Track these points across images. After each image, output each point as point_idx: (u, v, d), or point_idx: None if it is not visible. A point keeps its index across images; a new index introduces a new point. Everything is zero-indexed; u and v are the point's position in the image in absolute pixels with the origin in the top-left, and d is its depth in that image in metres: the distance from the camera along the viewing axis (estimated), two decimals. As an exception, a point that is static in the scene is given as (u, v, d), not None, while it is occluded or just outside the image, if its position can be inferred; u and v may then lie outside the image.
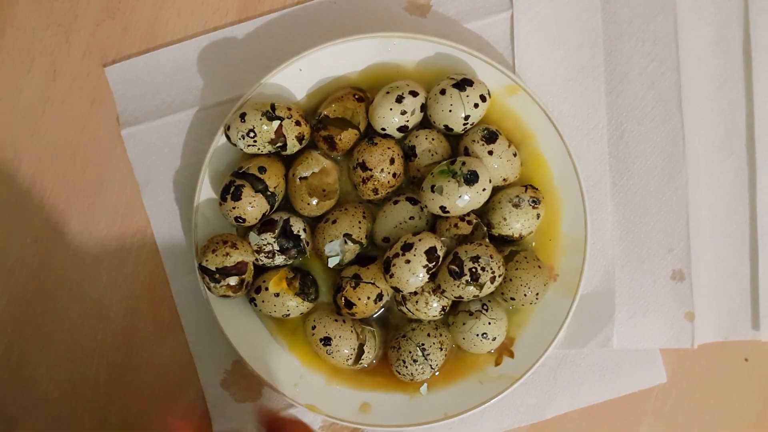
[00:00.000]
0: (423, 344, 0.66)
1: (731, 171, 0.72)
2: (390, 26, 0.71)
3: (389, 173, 0.66)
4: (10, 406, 0.73)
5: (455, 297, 0.64)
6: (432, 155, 0.66)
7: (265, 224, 0.66)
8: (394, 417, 0.68)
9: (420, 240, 0.63)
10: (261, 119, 0.64)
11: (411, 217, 0.66)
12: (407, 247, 0.63)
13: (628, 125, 0.71)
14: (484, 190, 0.63)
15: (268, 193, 0.65)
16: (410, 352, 0.66)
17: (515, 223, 0.66)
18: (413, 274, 0.62)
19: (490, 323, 0.66)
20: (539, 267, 0.66)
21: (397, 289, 0.64)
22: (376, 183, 0.66)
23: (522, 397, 0.71)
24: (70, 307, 0.73)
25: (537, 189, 0.67)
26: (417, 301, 0.66)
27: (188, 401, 0.72)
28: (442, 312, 0.66)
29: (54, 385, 0.73)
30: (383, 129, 0.66)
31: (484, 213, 0.67)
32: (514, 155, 0.67)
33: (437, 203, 0.63)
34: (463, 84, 0.65)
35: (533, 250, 0.68)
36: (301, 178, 0.66)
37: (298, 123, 0.65)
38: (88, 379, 0.73)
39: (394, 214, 0.66)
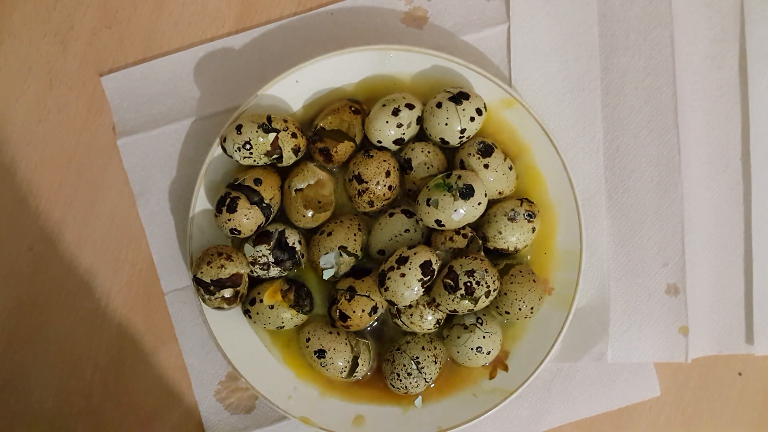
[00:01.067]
0: (417, 357, 0.66)
1: (726, 185, 0.72)
2: (387, 38, 0.71)
3: (385, 186, 0.66)
4: (3, 414, 0.73)
5: (450, 310, 0.64)
6: (428, 168, 0.66)
7: (260, 236, 0.66)
8: (387, 430, 0.68)
9: (415, 253, 0.63)
10: (257, 131, 0.64)
11: (406, 230, 0.66)
12: (402, 261, 0.63)
13: (623, 139, 0.71)
14: (479, 203, 0.63)
15: (264, 204, 0.65)
16: (404, 365, 0.66)
17: (510, 236, 0.66)
18: (408, 287, 0.62)
19: (484, 337, 0.66)
20: (534, 281, 0.66)
21: (391, 303, 0.64)
22: (371, 195, 0.66)
23: (516, 411, 0.71)
24: (65, 317, 0.72)
25: (532, 203, 0.67)
26: (412, 314, 0.66)
27: (182, 412, 0.72)
28: (437, 325, 0.66)
29: (47, 394, 0.72)
30: (379, 141, 0.66)
31: (479, 226, 0.67)
32: (510, 169, 0.67)
33: (432, 216, 0.63)
34: (460, 97, 0.65)
35: (528, 264, 0.68)
36: (296, 190, 0.66)
37: (294, 135, 0.66)
38: (82, 389, 0.72)
39: (389, 227, 0.66)
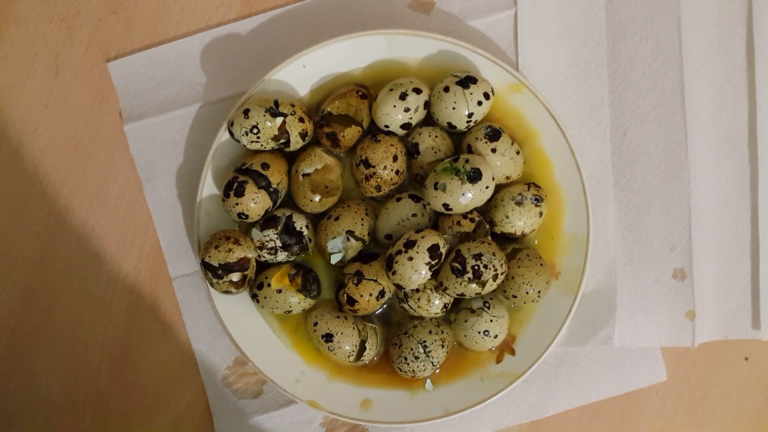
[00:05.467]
0: (424, 341, 0.66)
1: (733, 170, 0.72)
2: (394, 23, 0.71)
3: (392, 170, 0.66)
4: (11, 400, 0.73)
5: (457, 294, 0.64)
6: (435, 153, 0.66)
7: (267, 221, 0.66)
8: (395, 414, 0.68)
9: (423, 237, 0.63)
10: (264, 115, 0.64)
11: (414, 215, 0.66)
12: (410, 245, 0.63)
13: (631, 124, 0.71)
14: (487, 187, 0.63)
15: (271, 189, 0.65)
16: (412, 349, 0.66)
17: (518, 221, 0.66)
18: (416, 271, 0.62)
19: (491, 321, 0.66)
20: (541, 265, 0.66)
21: (399, 287, 0.64)
22: (378, 180, 0.66)
23: (523, 395, 0.71)
24: (72, 302, 0.73)
25: (540, 187, 0.67)
26: (419, 299, 0.66)
27: (189, 397, 0.73)
28: (444, 309, 0.67)
29: (55, 379, 0.73)
30: (386, 126, 0.66)
31: (486, 211, 0.67)
32: (517, 153, 0.67)
33: (440, 201, 0.63)
34: (467, 81, 0.65)
35: (535, 248, 0.68)
36: (304, 175, 0.66)
37: (301, 119, 0.65)
38: (90, 374, 0.73)
39: (396, 212, 0.66)
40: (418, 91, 0.66)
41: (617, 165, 0.71)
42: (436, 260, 0.63)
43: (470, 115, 0.65)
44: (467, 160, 0.63)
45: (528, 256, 0.66)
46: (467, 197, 0.63)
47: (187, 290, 0.72)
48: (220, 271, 0.65)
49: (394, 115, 0.66)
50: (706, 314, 0.71)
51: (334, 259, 0.66)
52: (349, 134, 0.66)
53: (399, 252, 0.63)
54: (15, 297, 0.72)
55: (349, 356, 0.67)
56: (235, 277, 0.65)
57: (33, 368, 0.73)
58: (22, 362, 0.73)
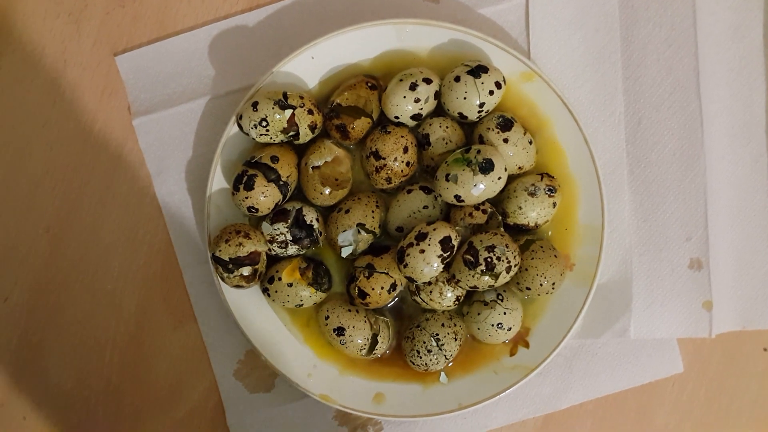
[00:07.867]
0: (437, 334, 0.66)
1: (750, 158, 0.71)
2: (403, 12, 0.70)
3: (403, 162, 0.65)
4: (23, 395, 0.73)
5: (470, 287, 0.64)
6: (446, 143, 0.66)
7: (277, 214, 0.66)
8: (408, 407, 0.68)
9: (434, 229, 0.62)
10: (273, 108, 0.64)
11: (425, 207, 0.65)
12: (421, 237, 0.62)
13: (645, 112, 0.70)
14: (499, 178, 0.63)
15: (281, 182, 0.65)
16: (424, 343, 0.66)
17: (531, 212, 0.65)
18: (427, 263, 0.62)
19: (505, 313, 0.65)
20: (555, 256, 0.65)
21: (411, 279, 0.64)
22: (389, 172, 0.65)
23: (537, 387, 0.71)
24: (83, 298, 0.72)
25: (553, 177, 0.66)
26: (431, 291, 0.65)
27: (201, 392, 0.72)
28: (457, 302, 0.66)
29: (67, 375, 0.73)
30: (396, 117, 0.66)
31: (499, 202, 0.66)
32: (530, 143, 0.66)
33: (452, 192, 0.63)
34: (478, 71, 0.64)
35: (549, 240, 0.67)
36: (313, 168, 0.66)
37: (310, 112, 0.65)
38: (101, 370, 0.73)
39: (407, 204, 0.66)
40: (428, 81, 0.65)
41: (632, 154, 0.70)
42: (448, 252, 0.62)
43: (482, 104, 0.64)
44: (479, 151, 0.62)
45: (542, 247, 0.65)
46: (479, 188, 0.62)
47: (198, 284, 0.72)
48: (230, 265, 0.64)
49: (404, 106, 0.65)
50: (723, 304, 0.70)
51: (345, 252, 0.66)
52: (359, 126, 0.66)
53: (410, 244, 0.62)
54: (26, 293, 0.73)
55: (361, 350, 0.66)
56: (246, 271, 0.64)
57: (44, 364, 0.73)
58: (34, 358, 0.73)
